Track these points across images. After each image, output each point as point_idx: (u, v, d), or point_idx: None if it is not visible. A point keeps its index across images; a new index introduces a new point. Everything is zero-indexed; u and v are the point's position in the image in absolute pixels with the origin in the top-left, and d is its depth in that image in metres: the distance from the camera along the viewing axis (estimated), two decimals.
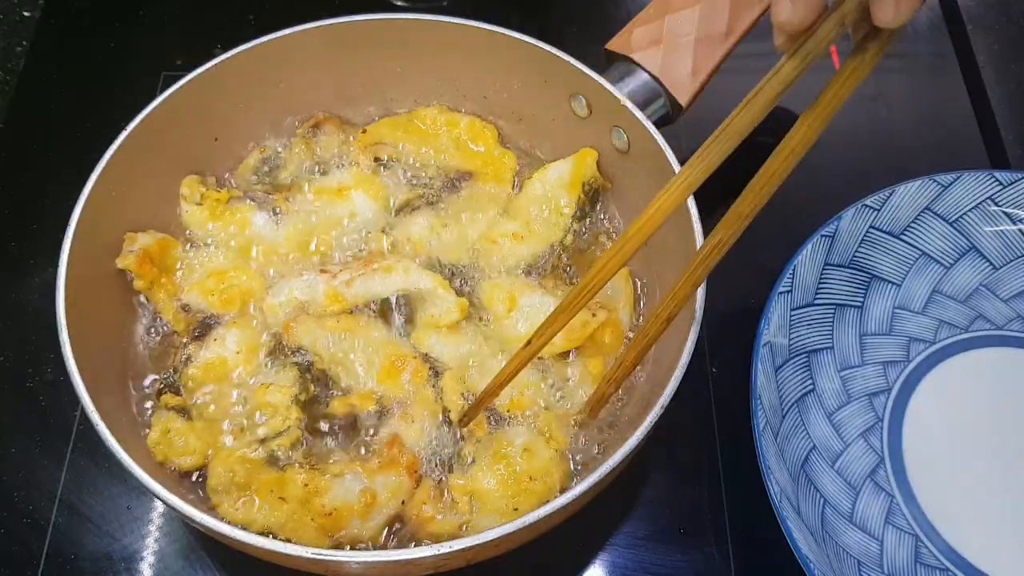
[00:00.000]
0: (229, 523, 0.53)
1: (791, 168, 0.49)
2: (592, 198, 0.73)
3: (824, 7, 0.43)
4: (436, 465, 0.62)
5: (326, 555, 0.50)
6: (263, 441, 0.61)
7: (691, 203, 0.61)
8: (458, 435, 0.63)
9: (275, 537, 0.57)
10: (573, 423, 0.64)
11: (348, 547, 0.59)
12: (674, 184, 0.51)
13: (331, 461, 0.62)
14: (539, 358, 0.65)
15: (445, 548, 0.50)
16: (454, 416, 0.63)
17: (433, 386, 0.65)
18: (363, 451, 0.63)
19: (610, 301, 0.68)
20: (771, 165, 0.49)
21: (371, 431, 0.63)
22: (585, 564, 0.68)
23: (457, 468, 0.62)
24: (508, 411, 0.64)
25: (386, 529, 0.60)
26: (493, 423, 0.64)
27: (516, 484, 0.60)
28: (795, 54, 0.44)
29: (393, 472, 0.60)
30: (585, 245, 0.73)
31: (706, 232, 0.60)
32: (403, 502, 0.60)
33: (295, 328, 0.66)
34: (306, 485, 0.59)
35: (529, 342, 0.57)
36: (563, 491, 0.54)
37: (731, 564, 0.67)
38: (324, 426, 0.63)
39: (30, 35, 0.95)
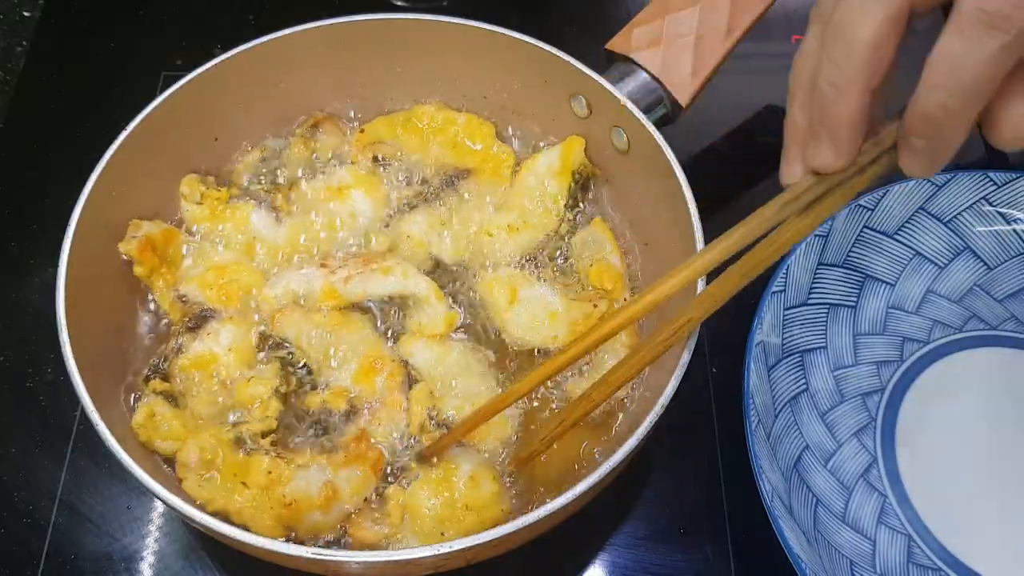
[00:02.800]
0: (192, 499, 0.52)
1: (769, 263, 0.49)
2: (583, 186, 0.73)
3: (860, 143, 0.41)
4: (388, 473, 0.62)
5: (326, 555, 0.51)
6: (235, 424, 0.61)
7: (691, 204, 0.62)
8: (413, 445, 0.62)
9: (231, 521, 0.57)
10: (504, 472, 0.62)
11: (304, 540, 0.59)
12: (685, 266, 0.50)
13: (299, 451, 0.61)
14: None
15: (445, 548, 0.50)
16: (413, 429, 0.62)
17: (405, 394, 0.64)
18: (332, 446, 0.62)
19: (608, 293, 0.69)
20: (755, 255, 0.49)
21: (339, 429, 0.63)
22: (585, 564, 0.68)
23: (402, 479, 0.61)
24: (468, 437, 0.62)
25: (339, 526, 0.60)
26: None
27: (450, 510, 0.59)
28: (833, 191, 0.43)
29: (358, 467, 0.60)
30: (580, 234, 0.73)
31: (706, 234, 0.61)
32: (365, 499, 0.60)
33: (281, 320, 0.66)
34: (269, 472, 0.59)
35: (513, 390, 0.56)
36: (498, 525, 0.51)
37: (731, 564, 0.67)
38: (298, 419, 0.64)
39: (30, 35, 0.95)
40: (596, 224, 0.73)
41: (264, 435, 0.61)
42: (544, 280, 0.69)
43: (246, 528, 0.57)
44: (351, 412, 0.63)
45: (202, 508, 0.55)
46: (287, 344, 0.65)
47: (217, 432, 0.60)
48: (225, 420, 0.63)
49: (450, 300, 0.69)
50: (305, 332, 0.65)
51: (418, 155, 0.76)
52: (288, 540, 0.58)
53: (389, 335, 0.67)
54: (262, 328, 0.66)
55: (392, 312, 0.68)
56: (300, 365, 0.65)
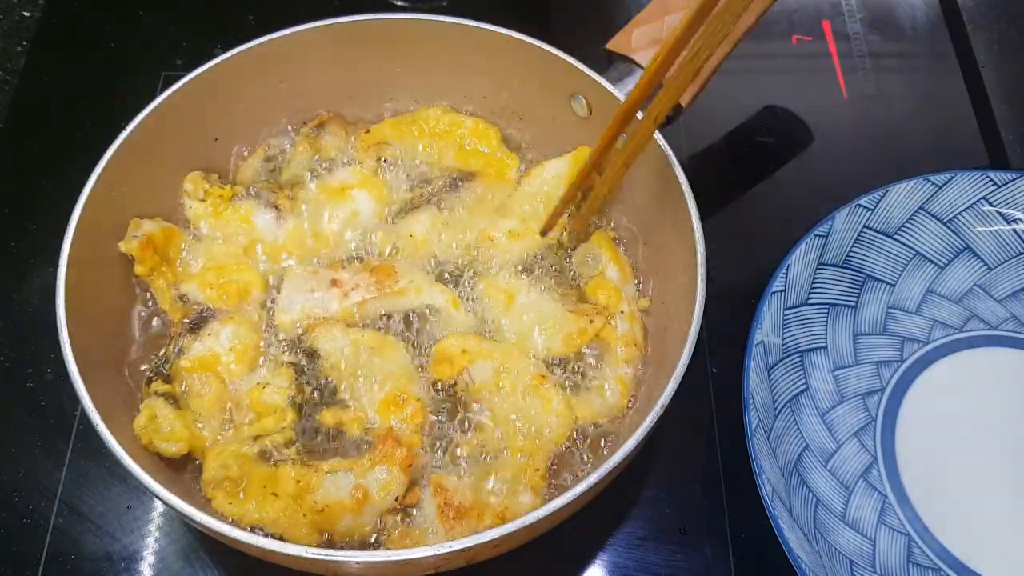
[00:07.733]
0: (223, 516, 0.53)
1: None
2: (585, 195, 0.73)
3: None
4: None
5: (326, 555, 0.51)
6: (256, 437, 0.61)
7: (691, 204, 0.62)
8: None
9: (266, 532, 0.58)
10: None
11: (341, 542, 0.59)
12: None
13: (324, 458, 0.61)
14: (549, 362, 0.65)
15: (445, 548, 0.50)
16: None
17: (423, 435, 0.63)
18: (357, 449, 0.62)
19: (604, 308, 0.69)
20: None
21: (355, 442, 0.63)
22: (585, 564, 0.68)
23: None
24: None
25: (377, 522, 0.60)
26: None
27: None
28: None
29: (386, 466, 0.60)
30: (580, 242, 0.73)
31: (706, 234, 0.61)
32: (396, 498, 0.60)
33: (321, 332, 0.65)
34: (298, 482, 0.59)
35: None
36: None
37: (731, 564, 0.67)
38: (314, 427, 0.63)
39: (30, 35, 0.95)
40: (595, 238, 0.72)
41: (287, 445, 0.62)
42: (542, 288, 0.69)
43: (282, 538, 0.57)
44: (363, 443, 0.62)
45: (236, 524, 0.55)
46: (315, 354, 0.65)
47: (238, 448, 0.60)
48: (229, 424, 0.63)
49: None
50: (343, 347, 0.65)
51: (422, 157, 0.76)
52: (324, 545, 0.59)
53: (421, 351, 0.66)
54: (276, 339, 0.66)
55: (413, 321, 0.68)
56: (317, 376, 0.64)
